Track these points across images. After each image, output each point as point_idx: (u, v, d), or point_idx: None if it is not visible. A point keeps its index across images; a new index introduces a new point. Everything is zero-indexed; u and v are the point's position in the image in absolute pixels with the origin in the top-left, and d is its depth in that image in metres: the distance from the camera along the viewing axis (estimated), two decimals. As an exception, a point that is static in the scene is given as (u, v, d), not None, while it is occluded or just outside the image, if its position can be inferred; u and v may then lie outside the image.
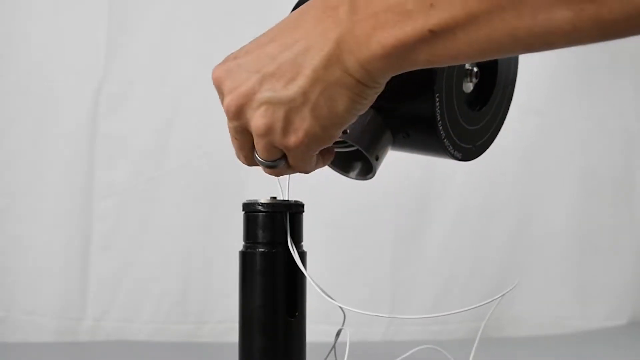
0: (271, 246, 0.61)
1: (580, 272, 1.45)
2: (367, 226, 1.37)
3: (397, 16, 0.42)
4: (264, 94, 0.48)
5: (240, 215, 0.64)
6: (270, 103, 0.48)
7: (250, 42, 0.51)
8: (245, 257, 0.62)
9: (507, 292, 0.62)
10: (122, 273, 1.29)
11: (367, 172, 0.62)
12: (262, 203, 0.62)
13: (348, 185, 1.30)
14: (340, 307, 0.63)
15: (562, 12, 0.37)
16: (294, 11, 0.49)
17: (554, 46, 0.41)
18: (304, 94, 0.47)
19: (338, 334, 0.65)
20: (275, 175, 0.56)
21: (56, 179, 1.27)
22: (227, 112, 0.50)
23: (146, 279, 1.29)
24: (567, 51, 1.52)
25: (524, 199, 1.44)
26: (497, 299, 0.61)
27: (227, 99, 0.49)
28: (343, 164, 0.63)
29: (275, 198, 0.63)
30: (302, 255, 0.62)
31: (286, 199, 0.63)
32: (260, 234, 0.61)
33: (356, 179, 0.64)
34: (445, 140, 0.58)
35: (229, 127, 0.52)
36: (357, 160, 0.63)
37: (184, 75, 1.32)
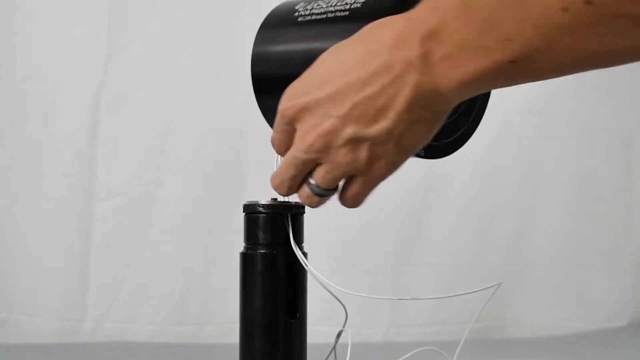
0: (272, 247, 0.61)
1: (580, 273, 1.45)
2: (368, 228, 1.37)
3: (474, 54, 0.44)
4: (348, 132, 0.49)
5: (240, 217, 0.64)
6: (355, 140, 0.50)
7: (313, 72, 0.51)
8: (246, 259, 0.62)
9: (493, 286, 0.62)
10: (122, 274, 1.29)
11: None
12: (262, 204, 0.62)
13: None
14: (342, 296, 0.63)
15: None
16: (354, 41, 0.50)
17: (633, 61, 0.43)
18: (389, 132, 0.49)
19: (339, 335, 0.65)
20: (314, 207, 0.56)
21: (57, 180, 1.28)
22: (311, 147, 0.51)
23: (146, 280, 1.29)
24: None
25: (525, 201, 1.44)
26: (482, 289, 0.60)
27: (311, 137, 0.51)
28: None
29: (275, 199, 0.63)
30: (304, 255, 0.62)
31: (286, 200, 0.63)
32: (260, 235, 0.61)
33: None
34: None
35: (295, 160, 0.53)
36: None
37: (185, 77, 1.32)
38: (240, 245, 0.63)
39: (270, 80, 0.62)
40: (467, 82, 0.45)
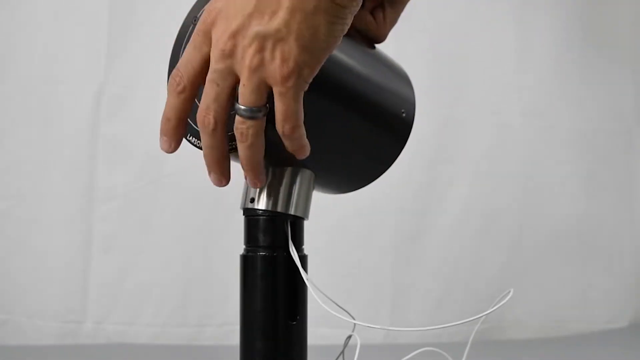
0: (272, 250, 0.60)
1: (581, 274, 1.45)
2: (368, 230, 1.37)
3: None
4: (253, 29, 0.50)
5: (241, 218, 0.63)
6: (258, 37, 0.50)
7: None
8: (246, 261, 0.61)
9: (499, 306, 0.61)
10: (123, 276, 1.29)
11: None
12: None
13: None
14: (338, 310, 0.62)
15: None
16: None
17: None
18: (287, 24, 0.49)
19: (348, 339, 0.65)
20: (251, 140, 0.54)
21: (57, 181, 1.28)
22: (223, 52, 0.51)
23: (147, 281, 1.29)
24: (567, 53, 1.52)
25: (525, 201, 1.44)
26: (487, 313, 0.60)
27: (222, 41, 0.51)
28: None
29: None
30: (303, 258, 0.61)
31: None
32: (261, 237, 0.61)
33: None
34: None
35: (212, 74, 0.52)
36: None
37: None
38: (240, 247, 0.63)
39: None
40: None
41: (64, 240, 1.27)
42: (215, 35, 0.51)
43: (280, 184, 0.60)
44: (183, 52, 0.58)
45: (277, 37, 0.49)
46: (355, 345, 0.62)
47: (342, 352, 0.64)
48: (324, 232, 1.32)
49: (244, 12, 0.50)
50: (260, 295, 0.60)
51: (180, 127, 0.56)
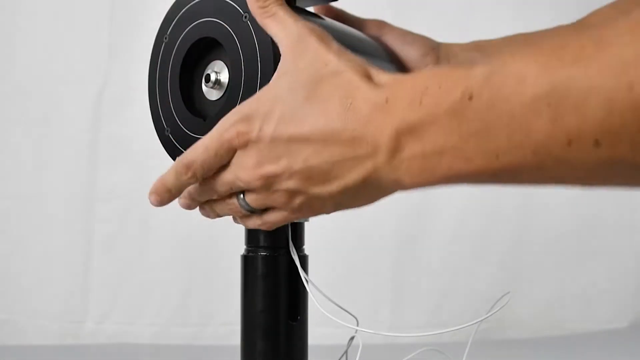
0: (273, 250, 0.61)
1: (581, 274, 1.45)
2: (368, 231, 1.37)
3: (452, 159, 0.40)
4: (291, 184, 0.47)
5: (241, 219, 0.63)
6: (295, 192, 0.48)
7: (278, 99, 0.47)
8: (247, 261, 0.62)
9: (497, 310, 0.61)
10: (123, 275, 1.29)
11: None
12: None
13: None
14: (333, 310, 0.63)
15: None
16: (331, 84, 0.46)
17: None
18: (330, 196, 0.47)
19: (351, 340, 0.65)
20: (238, 221, 0.55)
21: (58, 181, 1.28)
22: (248, 184, 0.49)
23: (148, 281, 1.29)
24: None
25: (525, 201, 1.44)
26: (484, 318, 0.61)
27: (251, 176, 0.48)
28: None
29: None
30: (304, 258, 0.62)
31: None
32: (262, 237, 0.61)
33: None
34: None
35: (234, 185, 0.50)
36: None
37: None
38: (241, 246, 0.63)
39: None
40: (434, 182, 0.42)
41: (65, 240, 1.27)
42: (244, 160, 0.48)
43: None
44: (159, 71, 0.61)
45: (315, 197, 0.48)
46: (356, 346, 0.62)
47: (346, 352, 0.64)
48: (324, 232, 1.31)
49: (285, 164, 0.46)
50: (261, 296, 0.60)
51: (176, 197, 0.56)
